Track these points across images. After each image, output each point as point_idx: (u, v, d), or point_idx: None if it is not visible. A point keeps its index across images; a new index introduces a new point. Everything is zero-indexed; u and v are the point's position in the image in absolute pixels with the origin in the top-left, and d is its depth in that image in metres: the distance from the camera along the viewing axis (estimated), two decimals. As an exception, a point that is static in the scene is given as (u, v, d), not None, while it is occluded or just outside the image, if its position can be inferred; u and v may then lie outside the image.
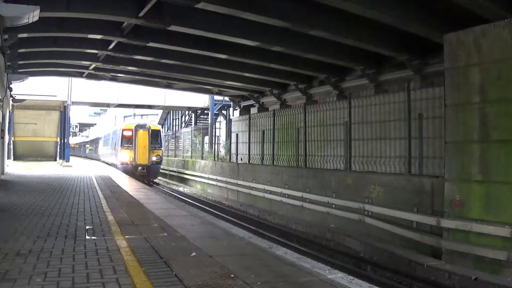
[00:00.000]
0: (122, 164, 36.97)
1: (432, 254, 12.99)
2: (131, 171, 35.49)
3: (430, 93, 16.14)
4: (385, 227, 15.06)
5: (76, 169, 35.27)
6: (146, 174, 36.75)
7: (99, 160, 59.34)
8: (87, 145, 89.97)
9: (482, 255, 11.59)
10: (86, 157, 79.28)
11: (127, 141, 37.09)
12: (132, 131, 37.21)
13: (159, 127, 42.71)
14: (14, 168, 32.77)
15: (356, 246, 15.30)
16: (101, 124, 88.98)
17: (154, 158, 37.27)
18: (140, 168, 36.45)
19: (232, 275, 5.92)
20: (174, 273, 6.03)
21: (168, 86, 33.65)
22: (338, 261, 13.61)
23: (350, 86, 22.93)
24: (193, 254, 7.06)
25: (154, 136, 38.07)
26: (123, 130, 38.24)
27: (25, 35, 18.16)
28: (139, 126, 37.69)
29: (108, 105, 51.12)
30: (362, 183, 16.82)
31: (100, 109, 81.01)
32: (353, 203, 16.75)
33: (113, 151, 41.81)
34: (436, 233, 13.09)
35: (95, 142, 72.24)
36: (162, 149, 40.66)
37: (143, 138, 37.02)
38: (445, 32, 13.19)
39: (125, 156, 36.77)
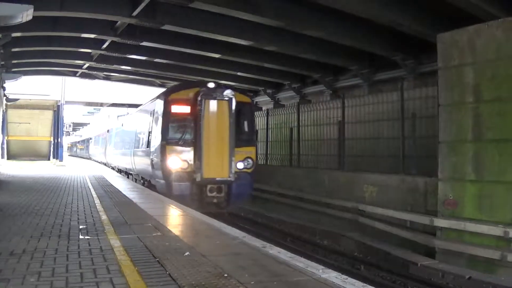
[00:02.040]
0: (167, 179, 17.40)
1: (426, 253, 13.00)
2: (190, 194, 17.35)
3: (423, 93, 16.17)
4: (379, 227, 15.07)
5: (70, 168, 35.09)
6: (224, 200, 17.82)
7: (108, 165, 38.95)
8: (90, 144, 68.55)
9: (476, 254, 11.62)
10: (90, 159, 64.14)
11: (179, 126, 17.91)
12: (191, 104, 17.61)
13: (248, 97, 20.73)
14: (7, 168, 32.63)
15: (350, 245, 15.31)
16: (98, 123, 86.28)
17: (240, 165, 17.76)
18: (211, 188, 17.44)
19: (225, 275, 5.91)
20: (167, 272, 6.02)
21: (162, 86, 33.67)
22: (332, 261, 13.64)
23: (344, 85, 22.95)
24: (186, 254, 7.04)
25: (241, 115, 18.41)
26: (169, 101, 17.96)
27: (18, 34, 18.12)
28: (208, 93, 17.48)
29: (101, 104, 51.09)
30: (356, 182, 16.83)
31: (94, 109, 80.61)
32: (347, 202, 16.76)
33: (142, 150, 21.05)
34: (430, 232, 13.11)
35: (103, 139, 46.40)
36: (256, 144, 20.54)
37: (218, 120, 17.50)
38: (439, 32, 13.21)
39: (175, 161, 17.26)
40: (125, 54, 22.87)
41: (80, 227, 9.47)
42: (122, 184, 20.46)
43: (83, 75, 31.17)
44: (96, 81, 34.12)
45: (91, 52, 23.70)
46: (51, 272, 5.98)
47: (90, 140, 69.78)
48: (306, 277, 5.99)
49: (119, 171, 31.18)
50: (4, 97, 30.83)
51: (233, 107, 17.48)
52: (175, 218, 11.32)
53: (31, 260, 6.59)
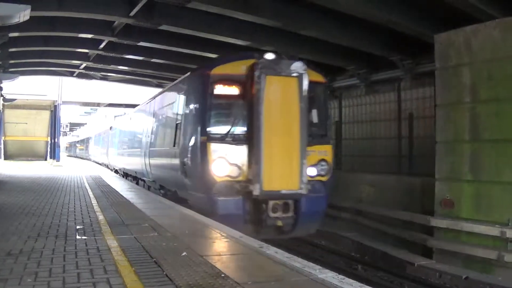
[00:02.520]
0: (208, 191, 12.26)
1: (423, 253, 13.03)
2: (243, 214, 12.19)
3: (421, 93, 16.19)
4: (376, 226, 15.09)
5: (67, 168, 35.07)
6: (292, 222, 12.48)
7: (110, 167, 34.88)
8: (90, 143, 61.66)
9: (473, 254, 11.65)
10: (89, 160, 57.95)
11: (226, 115, 13.06)
12: (244, 83, 12.46)
13: (322, 76, 14.46)
14: (5, 168, 32.61)
15: (348, 245, 15.32)
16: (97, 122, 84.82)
17: (312, 172, 12.58)
18: (274, 205, 12.13)
19: (222, 275, 5.90)
20: (164, 272, 6.01)
21: (159, 86, 33.58)
22: (329, 260, 13.64)
23: (341, 85, 22.94)
24: (183, 254, 7.03)
25: (312, 100, 13.07)
26: (211, 78, 12.65)
27: (16, 34, 18.10)
28: (269, 66, 12.21)
29: (98, 104, 51.11)
30: (353, 182, 16.85)
31: (91, 109, 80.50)
32: (344, 202, 16.76)
33: (165, 150, 15.97)
34: (427, 232, 13.13)
35: (104, 137, 41.05)
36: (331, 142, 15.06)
37: (285, 105, 12.25)
38: (436, 32, 13.23)
39: (221, 166, 12.14)
40: (122, 54, 22.87)
41: (77, 227, 9.44)
42: (119, 185, 20.43)
43: (80, 75, 31.19)
44: (93, 81, 34.13)
45: (88, 52, 23.71)
46: (48, 273, 5.97)
47: (90, 140, 61.40)
48: (303, 277, 5.98)
49: (125, 175, 26.60)
50: (1, 97, 30.83)
51: (305, 87, 12.27)
52: (172, 218, 11.29)
53: (28, 260, 6.57)
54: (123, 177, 26.73)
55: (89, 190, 17.30)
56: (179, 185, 14.15)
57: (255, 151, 11.76)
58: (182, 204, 13.28)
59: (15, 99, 35.06)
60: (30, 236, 8.34)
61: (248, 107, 12.20)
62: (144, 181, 20.60)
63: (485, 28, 11.95)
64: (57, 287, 5.41)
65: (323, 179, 12.86)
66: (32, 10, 11.44)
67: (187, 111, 13.58)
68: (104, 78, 32.60)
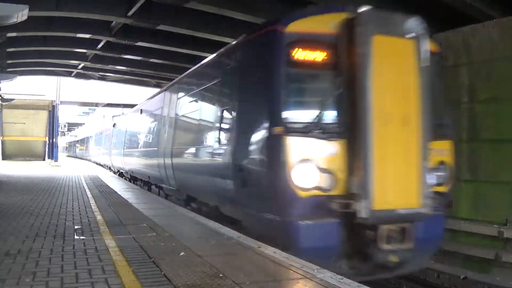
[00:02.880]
0: (283, 211, 7.80)
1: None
2: (338, 246, 7.76)
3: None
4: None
5: (65, 168, 35.04)
6: (411, 255, 7.86)
7: (113, 169, 31.14)
8: (89, 143, 56.22)
9: (471, 254, 11.64)
10: (90, 160, 53.72)
11: (310, 94, 8.71)
12: (335, 46, 7.91)
13: (435, 43, 9.56)
14: (3, 168, 32.57)
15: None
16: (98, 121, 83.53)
17: (430, 180, 7.77)
18: (389, 232, 7.56)
19: (221, 275, 5.89)
20: (163, 272, 6.00)
21: (157, 86, 33.61)
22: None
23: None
24: (182, 254, 7.01)
25: (430, 75, 8.08)
26: (285, 37, 7.90)
27: (14, 34, 18.11)
28: (376, 21, 7.64)
29: (96, 104, 51.09)
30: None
31: (89, 109, 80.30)
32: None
33: (202, 149, 11.54)
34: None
35: (106, 136, 35.90)
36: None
37: (399, 81, 7.65)
38: (436, 32, 13.22)
39: (306, 172, 7.52)
40: (120, 54, 22.90)
41: (75, 227, 9.43)
42: (117, 185, 20.39)
43: (78, 75, 31.23)
44: (91, 81, 34.17)
45: (86, 52, 23.73)
46: (46, 273, 5.96)
47: (90, 139, 56.22)
48: (301, 277, 5.98)
49: (132, 179, 23.48)
50: (0, 97, 30.85)
51: (426, 54, 8.14)
52: (170, 218, 11.27)
53: (26, 260, 6.56)
54: (130, 181, 23.68)
55: (87, 190, 17.28)
56: (227, 199, 10.08)
57: (360, 150, 7.50)
58: (229, 225, 9.63)
59: (13, 99, 35.09)
60: (28, 236, 8.33)
61: (345, 83, 7.93)
62: (161, 188, 16.63)
63: (483, 29, 11.94)
64: (56, 287, 5.41)
65: (442, 189, 8.73)
66: (30, 10, 11.41)
67: (246, 90, 9.27)
68: (102, 78, 32.64)
